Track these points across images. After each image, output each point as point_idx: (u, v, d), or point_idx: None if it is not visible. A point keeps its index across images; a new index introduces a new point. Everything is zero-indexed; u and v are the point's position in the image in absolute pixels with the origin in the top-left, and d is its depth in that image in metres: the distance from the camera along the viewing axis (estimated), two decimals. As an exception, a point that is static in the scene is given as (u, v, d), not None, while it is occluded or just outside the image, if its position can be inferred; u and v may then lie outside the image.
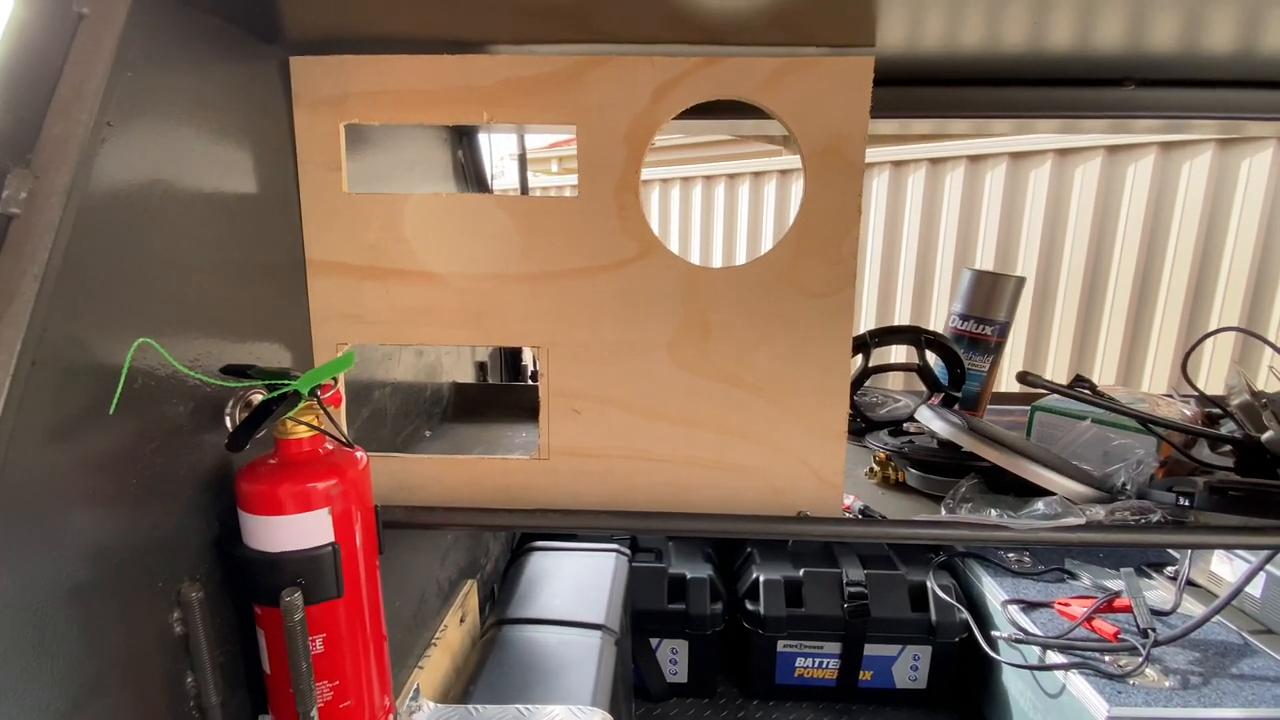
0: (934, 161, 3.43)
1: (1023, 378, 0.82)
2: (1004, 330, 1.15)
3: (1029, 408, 1.06)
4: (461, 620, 1.47)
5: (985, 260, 3.35)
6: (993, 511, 0.82)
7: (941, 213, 3.47)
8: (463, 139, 1.50)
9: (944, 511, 0.88)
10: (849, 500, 0.92)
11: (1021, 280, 1.17)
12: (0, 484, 0.46)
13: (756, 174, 4.18)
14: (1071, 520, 0.74)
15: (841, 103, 0.74)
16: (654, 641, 2.02)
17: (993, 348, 1.15)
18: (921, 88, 1.00)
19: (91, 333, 0.55)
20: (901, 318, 3.64)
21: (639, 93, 0.77)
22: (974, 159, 3.31)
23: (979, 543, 1.68)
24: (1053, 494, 0.86)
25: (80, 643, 0.54)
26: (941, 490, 0.95)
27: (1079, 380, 0.91)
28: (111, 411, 0.55)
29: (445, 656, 1.36)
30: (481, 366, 1.68)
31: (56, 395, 0.52)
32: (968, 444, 0.89)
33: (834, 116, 0.75)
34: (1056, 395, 0.92)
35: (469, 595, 1.52)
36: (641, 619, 1.96)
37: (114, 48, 0.52)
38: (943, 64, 0.91)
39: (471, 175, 1.58)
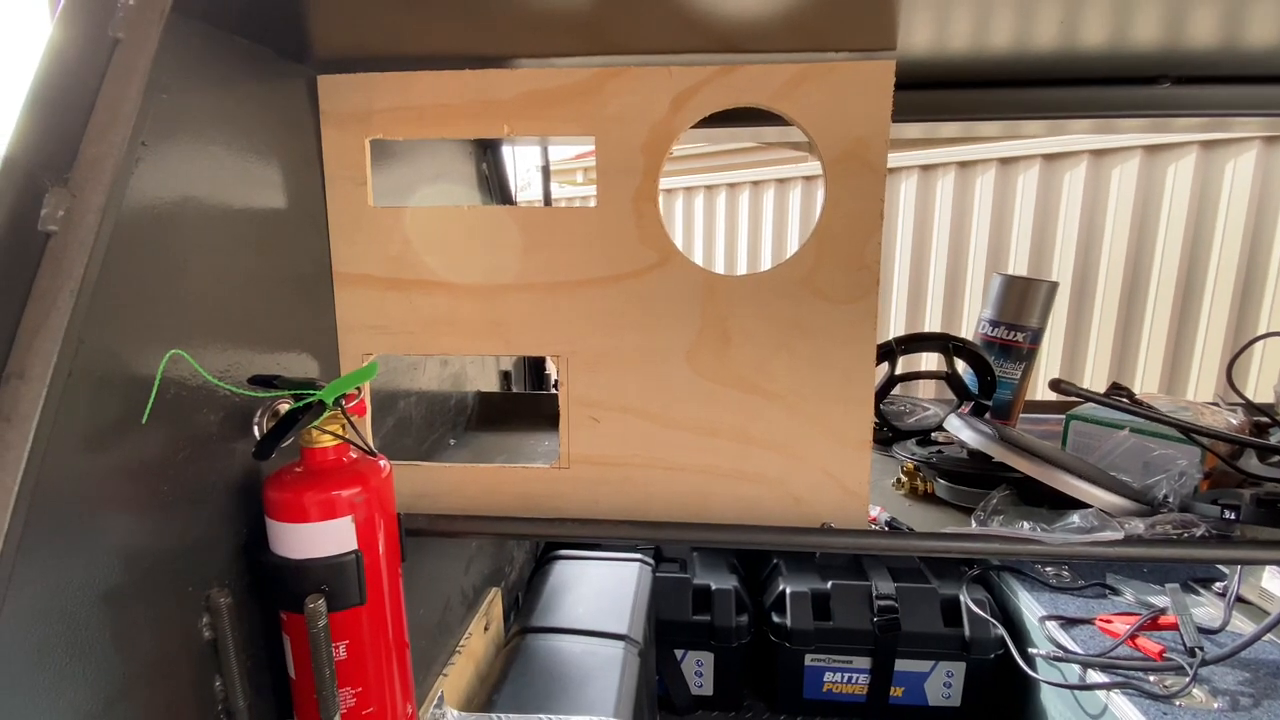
0: (963, 165, 3.37)
1: (1056, 385, 0.79)
2: (1036, 337, 1.12)
3: (1064, 416, 1.02)
4: (486, 628, 1.47)
5: (1019, 265, 3.27)
6: (1025, 524, 0.80)
7: (972, 217, 3.40)
8: (487, 151, 1.53)
9: (974, 524, 0.86)
10: (875, 512, 0.90)
11: (1054, 285, 1.14)
12: (37, 491, 0.48)
13: (781, 180, 4.16)
14: (1109, 535, 0.71)
15: (861, 107, 0.73)
16: (679, 653, 2.00)
17: (1025, 354, 1.12)
18: (948, 90, 0.99)
19: (126, 345, 0.57)
20: (932, 324, 3.57)
21: (657, 102, 0.77)
22: (1005, 161, 3.24)
23: (1011, 557, 1.62)
24: (1089, 506, 0.83)
25: (112, 645, 0.55)
26: (972, 502, 0.92)
27: (1116, 388, 0.87)
28: (144, 421, 0.56)
29: (469, 664, 1.37)
30: (506, 375, 1.70)
31: (92, 405, 0.53)
32: (998, 454, 0.87)
33: (854, 121, 0.74)
34: (1093, 404, 0.89)
35: (493, 603, 1.53)
36: (666, 630, 1.94)
37: (147, 71, 0.54)
38: (970, 66, 0.89)
39: (496, 187, 1.60)
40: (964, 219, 3.43)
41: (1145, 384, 3.06)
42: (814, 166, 3.99)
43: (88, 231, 0.49)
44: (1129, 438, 0.91)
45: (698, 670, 2.01)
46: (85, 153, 0.51)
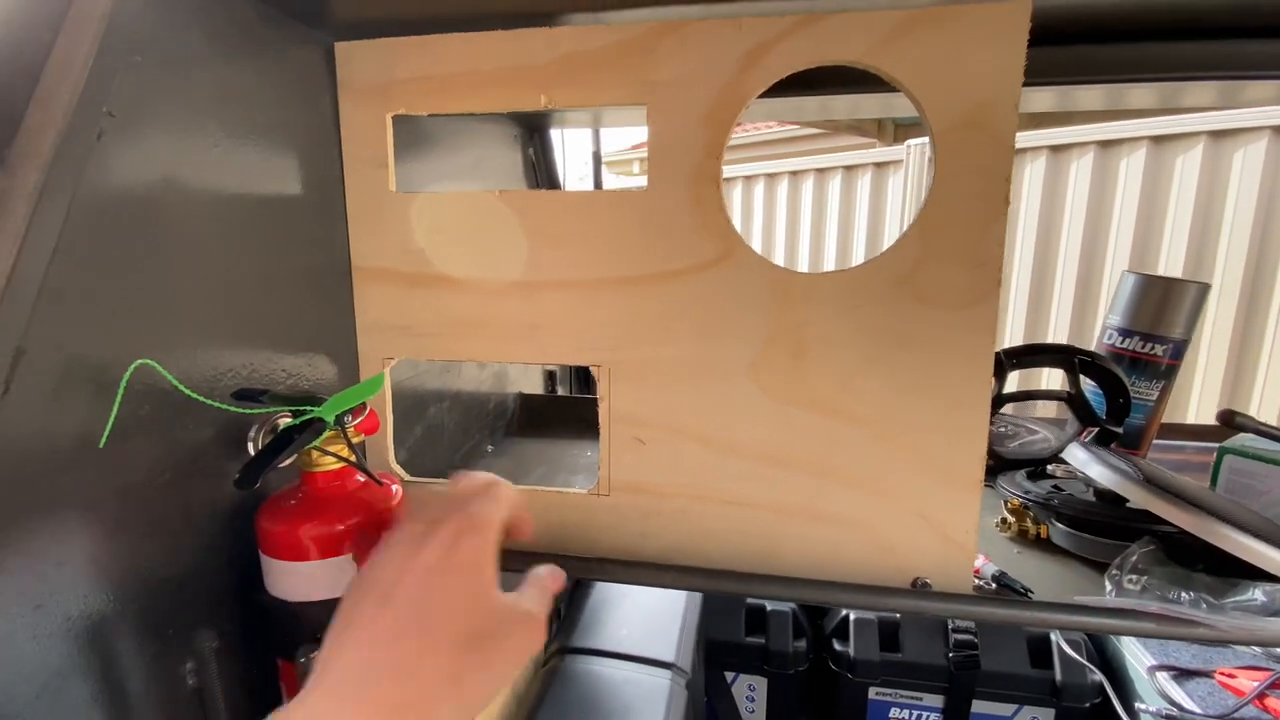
0: (1056, 149, 3.06)
1: (1228, 418, 0.62)
2: (1179, 350, 0.92)
3: (1214, 447, 0.83)
4: (524, 646, 1.38)
5: (1118, 263, 2.95)
6: (1184, 595, 0.63)
7: (1065, 209, 3.08)
8: (534, 137, 1.42)
9: (1108, 585, 0.69)
10: (979, 562, 0.74)
11: (1205, 288, 0.93)
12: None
13: (879, 165, 3.89)
14: (1319, 625, 0.54)
15: (986, 61, 0.58)
16: (729, 675, 1.86)
17: (1163, 371, 0.92)
18: (1075, 46, 0.80)
19: (89, 352, 0.48)
20: (1015, 332, 3.27)
21: (722, 63, 0.63)
22: (1105, 144, 2.92)
23: (1173, 639, 1.38)
24: (1263, 572, 0.65)
25: (78, 695, 0.47)
26: (1100, 554, 0.75)
27: (1309, 422, 0.69)
28: (101, 445, 0.48)
29: (505, 686, 1.28)
30: (551, 375, 1.60)
31: (43, 423, 0.45)
32: (1140, 500, 0.70)
33: (976, 80, 0.58)
34: (1267, 438, 0.70)
35: (533, 619, 1.43)
36: (716, 650, 1.82)
37: (100, 29, 0.44)
38: (1104, 12, 0.71)
39: (544, 176, 1.49)
40: (1054, 211, 3.11)
41: (1265, 402, 2.71)
42: (892, 153, 3.73)
43: (17, 219, 0.40)
44: (1316, 483, 0.71)
45: (749, 695, 1.87)
46: (26, 125, 0.42)
